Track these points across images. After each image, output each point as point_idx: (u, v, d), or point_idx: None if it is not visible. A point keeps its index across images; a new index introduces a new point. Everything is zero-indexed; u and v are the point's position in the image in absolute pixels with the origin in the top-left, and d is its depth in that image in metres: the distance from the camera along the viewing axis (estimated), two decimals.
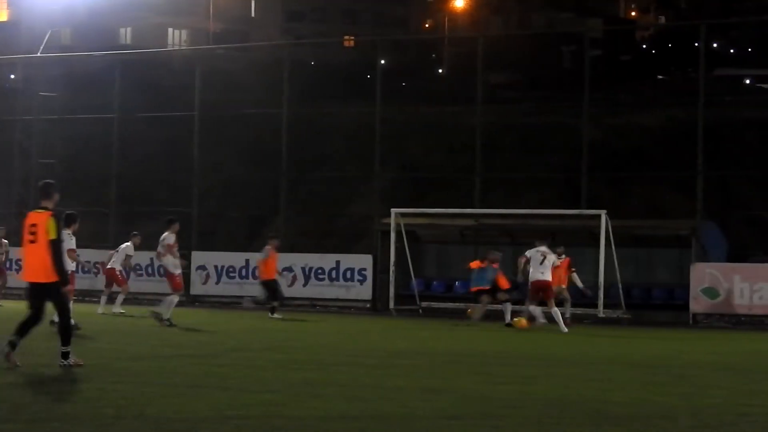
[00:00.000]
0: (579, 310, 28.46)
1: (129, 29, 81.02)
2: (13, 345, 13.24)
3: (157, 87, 47.20)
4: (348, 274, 31.49)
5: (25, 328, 13.32)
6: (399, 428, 9.70)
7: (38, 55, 38.24)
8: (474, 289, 25.73)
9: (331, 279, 31.62)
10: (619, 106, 47.83)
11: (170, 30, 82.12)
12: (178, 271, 22.82)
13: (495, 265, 25.61)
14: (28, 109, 38.01)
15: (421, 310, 29.46)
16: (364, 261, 31.35)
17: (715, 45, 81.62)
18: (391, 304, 29.37)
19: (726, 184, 39.07)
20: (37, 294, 13.40)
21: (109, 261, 26.69)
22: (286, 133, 33.33)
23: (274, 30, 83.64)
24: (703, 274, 28.16)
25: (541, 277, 24.00)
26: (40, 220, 13.31)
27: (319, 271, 31.76)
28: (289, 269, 31.83)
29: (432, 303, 29.82)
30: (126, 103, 36.48)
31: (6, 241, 29.43)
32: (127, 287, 26.95)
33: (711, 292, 28.04)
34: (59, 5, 41.64)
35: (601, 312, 27.77)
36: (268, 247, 26.94)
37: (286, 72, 33.46)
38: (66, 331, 13.38)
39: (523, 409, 10.94)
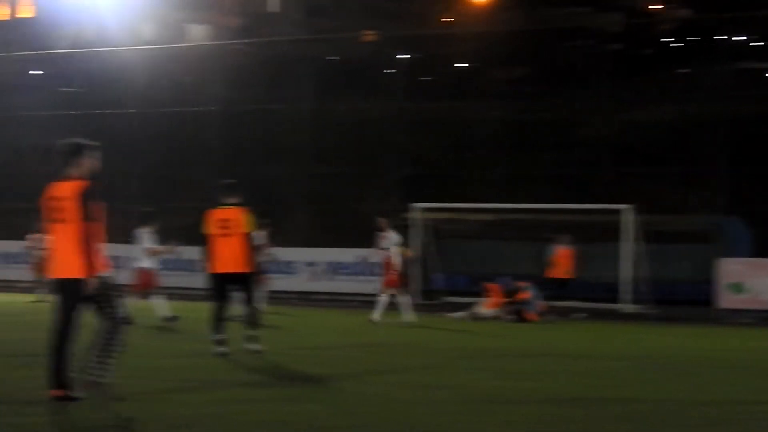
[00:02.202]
0: (602, 305, 28.35)
1: (150, 25, 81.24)
2: (221, 341, 14.48)
3: (177, 82, 47.28)
4: (370, 269, 31.44)
5: (220, 320, 14.61)
6: (401, 424, 9.62)
7: (62, 50, 38.33)
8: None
9: (352, 274, 31.60)
10: (641, 100, 47.51)
11: (191, 25, 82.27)
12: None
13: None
14: (52, 104, 38.14)
15: (443, 306, 29.32)
16: None
17: (735, 38, 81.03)
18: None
19: (750, 178, 38.81)
20: (227, 282, 14.73)
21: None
22: (306, 128, 33.32)
23: (295, 25, 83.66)
24: (729, 270, 27.94)
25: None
26: (234, 215, 14.75)
27: (341, 266, 31.74)
28: (312, 264, 31.88)
29: (453, 298, 29.70)
30: (148, 98, 36.54)
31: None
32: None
33: (737, 288, 27.83)
34: (84, 2, 41.73)
35: (624, 308, 27.62)
36: None
37: (306, 67, 33.42)
38: (254, 318, 14.87)
39: (528, 405, 10.84)
